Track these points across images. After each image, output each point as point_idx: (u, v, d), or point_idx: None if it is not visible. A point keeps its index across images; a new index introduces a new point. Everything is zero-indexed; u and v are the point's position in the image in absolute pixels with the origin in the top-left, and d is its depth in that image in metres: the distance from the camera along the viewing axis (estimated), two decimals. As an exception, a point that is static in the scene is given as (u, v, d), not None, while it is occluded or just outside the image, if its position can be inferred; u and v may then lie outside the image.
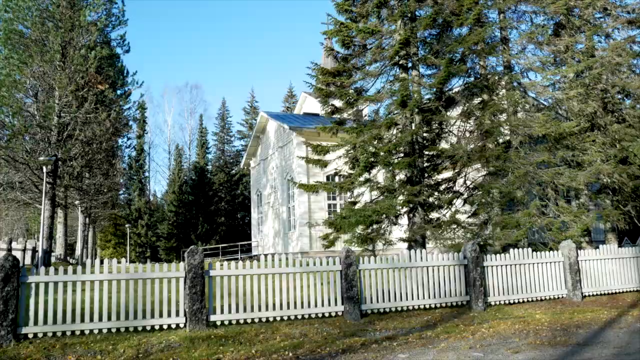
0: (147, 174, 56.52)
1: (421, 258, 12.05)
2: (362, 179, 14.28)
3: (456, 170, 17.11)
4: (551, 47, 14.77)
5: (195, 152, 59.09)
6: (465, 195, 16.66)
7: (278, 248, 32.39)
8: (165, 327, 9.86)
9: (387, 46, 15.54)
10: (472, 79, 17.65)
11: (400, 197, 15.89)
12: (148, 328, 9.75)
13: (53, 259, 26.10)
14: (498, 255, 12.90)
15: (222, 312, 10.27)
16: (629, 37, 16.45)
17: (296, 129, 27.72)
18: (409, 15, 15.61)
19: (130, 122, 31.96)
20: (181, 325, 9.94)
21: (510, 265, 12.98)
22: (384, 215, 13.63)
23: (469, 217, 18.18)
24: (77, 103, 21.40)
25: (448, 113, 16.91)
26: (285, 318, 10.67)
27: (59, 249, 27.44)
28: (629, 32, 17.02)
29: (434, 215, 17.28)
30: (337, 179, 21.25)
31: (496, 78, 14.97)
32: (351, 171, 16.48)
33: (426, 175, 17.63)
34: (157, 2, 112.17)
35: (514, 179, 13.85)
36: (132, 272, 9.93)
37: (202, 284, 10.04)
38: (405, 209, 15.13)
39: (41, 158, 17.91)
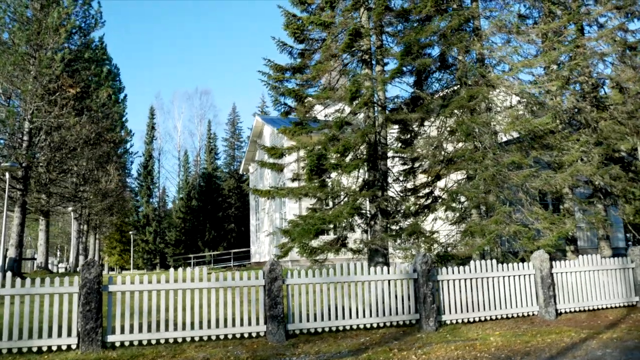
0: (155, 180, 56.23)
1: (362, 271, 10.76)
2: (316, 183, 13.04)
3: (431, 176, 15.74)
4: (525, 37, 13.27)
5: (204, 158, 58.61)
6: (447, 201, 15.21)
7: (273, 255, 31.37)
8: (55, 348, 8.87)
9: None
10: (452, 76, 16.31)
11: (366, 204, 14.67)
12: (34, 349, 8.76)
13: (34, 268, 25.65)
14: (456, 267, 11.49)
15: (122, 332, 9.21)
16: (618, 25, 14.77)
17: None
18: (384, 5, 14.19)
19: (119, 129, 31.40)
20: (73, 347, 8.93)
21: (471, 278, 11.54)
22: (331, 224, 12.38)
23: (450, 224, 16.80)
24: (49, 107, 20.84)
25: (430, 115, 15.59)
26: (197, 339, 9.54)
27: (40, 257, 27.02)
28: (622, 19, 15.35)
29: (409, 222, 15.98)
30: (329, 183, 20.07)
31: (465, 72, 13.53)
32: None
33: (401, 179, 16.33)
34: (168, 9, 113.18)
35: (478, 183, 12.41)
36: (18, 287, 8.94)
37: (98, 300, 9.01)
38: (361, 215, 13.85)
39: (4, 164, 17.32)
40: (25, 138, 21.24)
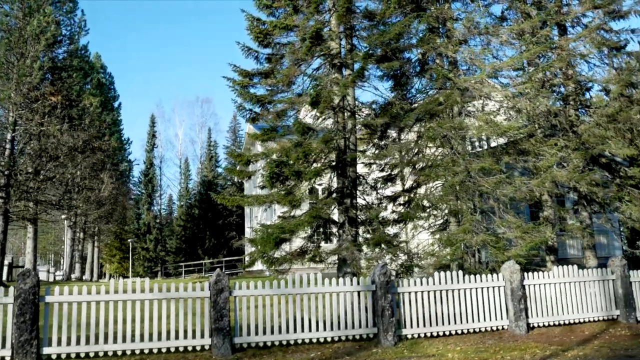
0: (157, 188, 56.31)
1: (316, 283, 10.33)
2: (279, 191, 12.65)
3: (405, 183, 15.29)
4: (498, 38, 12.79)
5: (204, 166, 58.58)
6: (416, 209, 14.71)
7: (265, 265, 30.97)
8: (-13, 361, 8.58)
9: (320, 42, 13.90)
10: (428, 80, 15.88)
11: (335, 211, 14.28)
12: (-34, 362, 8.49)
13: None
14: (418, 279, 11.00)
15: (59, 344, 8.89)
16: (596, 25, 14.20)
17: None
18: (346, 7, 13.85)
19: (109, 137, 31.37)
20: (7, 359, 8.62)
21: (435, 291, 11.01)
22: (293, 233, 11.95)
23: (429, 234, 16.31)
24: (31, 115, 20.83)
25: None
26: (138, 352, 9.17)
27: (27, 265, 26.95)
28: (604, 19, 14.79)
29: (392, 230, 15.57)
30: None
31: (432, 75, 13.09)
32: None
33: (377, 187, 15.90)
34: (169, 16, 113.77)
35: (447, 190, 11.93)
36: (-50, 298, 8.67)
37: (33, 311, 8.70)
38: (335, 224, 13.44)
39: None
40: (8, 146, 21.23)
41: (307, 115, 15.21)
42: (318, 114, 13.49)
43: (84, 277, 39.61)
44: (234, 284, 9.94)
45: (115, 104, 43.74)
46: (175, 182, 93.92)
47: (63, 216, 30.79)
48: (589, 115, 14.83)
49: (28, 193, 21.59)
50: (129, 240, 47.24)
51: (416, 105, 15.19)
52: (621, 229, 26.82)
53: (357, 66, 14.12)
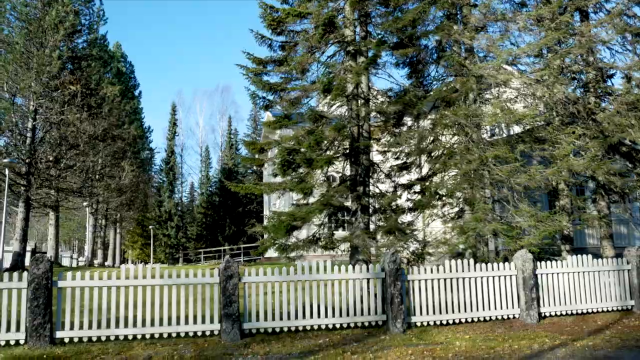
0: (178, 176, 57.04)
1: (325, 270, 10.36)
2: (292, 179, 12.68)
3: (422, 172, 15.18)
4: (515, 25, 12.51)
5: (224, 154, 59.03)
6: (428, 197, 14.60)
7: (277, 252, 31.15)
8: (3, 343, 8.85)
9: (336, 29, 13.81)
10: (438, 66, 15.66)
11: (349, 199, 14.26)
12: (-17, 344, 8.76)
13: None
14: (429, 267, 10.96)
15: (71, 328, 9.11)
16: (618, 10, 13.76)
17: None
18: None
19: (129, 125, 31.79)
20: (21, 342, 8.89)
21: (445, 279, 10.97)
22: (303, 221, 11.98)
23: (443, 222, 16.20)
24: (51, 104, 21.24)
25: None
26: (148, 336, 9.36)
27: (50, 251, 27.62)
28: (629, 4, 14.32)
29: (406, 219, 15.53)
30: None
31: (447, 63, 12.90)
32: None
33: (392, 175, 15.82)
34: (189, 4, 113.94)
35: (460, 178, 11.80)
36: (-33, 282, 8.95)
37: (46, 296, 8.94)
38: (348, 211, 13.43)
39: (4, 161, 17.66)
40: (29, 135, 21.75)
41: (325, 103, 15.17)
42: (331, 102, 13.43)
43: (106, 263, 40.50)
44: (243, 271, 10.03)
45: (136, 93, 44.41)
46: (196, 170, 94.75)
47: (85, 203, 31.48)
48: (610, 103, 14.46)
49: (49, 181, 22.14)
50: (150, 227, 48.07)
51: (432, 92, 15.06)
52: (644, 219, 26.24)
53: (371, 53, 13.99)
